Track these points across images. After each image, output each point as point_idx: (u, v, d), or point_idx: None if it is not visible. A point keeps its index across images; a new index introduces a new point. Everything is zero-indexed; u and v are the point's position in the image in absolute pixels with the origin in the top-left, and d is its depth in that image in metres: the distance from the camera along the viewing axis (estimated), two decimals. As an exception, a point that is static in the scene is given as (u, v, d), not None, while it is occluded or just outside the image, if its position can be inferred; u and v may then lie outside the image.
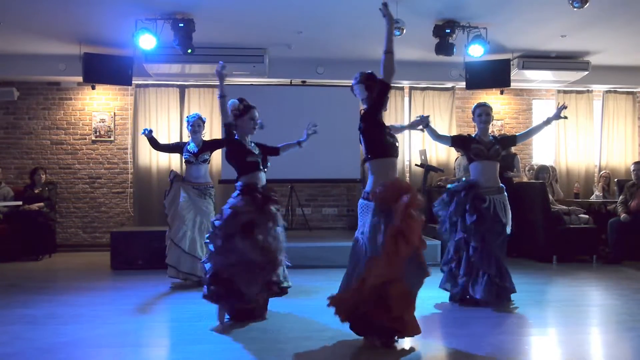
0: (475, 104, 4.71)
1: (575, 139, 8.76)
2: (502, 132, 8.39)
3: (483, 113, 4.60)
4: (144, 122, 8.04)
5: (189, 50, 6.29)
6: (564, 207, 7.10)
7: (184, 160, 5.56)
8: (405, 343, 3.36)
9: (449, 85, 8.50)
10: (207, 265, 3.89)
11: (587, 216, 7.02)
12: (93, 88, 8.02)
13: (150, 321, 4.12)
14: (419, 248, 3.22)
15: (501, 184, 4.56)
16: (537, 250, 6.90)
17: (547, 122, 4.64)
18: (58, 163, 8.19)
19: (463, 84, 7.90)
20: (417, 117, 4.54)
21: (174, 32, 6.13)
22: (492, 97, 8.66)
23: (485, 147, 4.51)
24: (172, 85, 8.20)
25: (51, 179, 7.96)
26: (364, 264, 3.24)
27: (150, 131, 5.53)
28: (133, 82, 7.52)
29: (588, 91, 8.79)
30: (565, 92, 8.72)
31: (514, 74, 7.63)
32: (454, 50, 6.53)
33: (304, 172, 7.99)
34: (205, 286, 3.86)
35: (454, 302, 4.48)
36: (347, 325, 3.40)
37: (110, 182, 8.26)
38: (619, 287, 5.27)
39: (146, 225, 7.51)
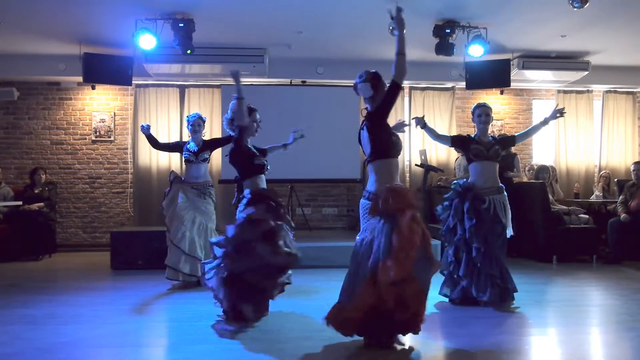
0: (475, 105, 4.71)
1: (575, 139, 8.76)
2: (502, 132, 8.39)
3: (483, 113, 4.60)
4: (144, 122, 8.01)
5: (189, 51, 6.29)
6: (564, 207, 7.10)
7: (184, 159, 5.56)
8: (405, 343, 3.36)
9: (449, 85, 8.50)
10: (209, 266, 3.89)
11: (587, 216, 7.02)
12: (93, 88, 8.02)
13: (150, 321, 4.12)
14: (426, 243, 3.24)
15: (501, 184, 4.56)
16: (537, 250, 6.90)
17: (545, 122, 4.66)
18: (58, 163, 8.19)
19: (463, 84, 7.90)
20: (412, 119, 4.56)
21: (174, 32, 6.12)
22: (492, 97, 8.66)
23: (485, 148, 4.51)
24: (172, 85, 8.20)
25: (51, 179, 7.96)
26: (373, 267, 3.17)
27: (149, 127, 5.52)
28: (133, 82, 7.51)
29: (588, 91, 8.79)
30: (565, 92, 8.73)
31: (514, 74, 7.63)
32: (454, 50, 6.53)
33: (304, 172, 7.99)
34: (215, 290, 3.84)
35: (452, 302, 4.48)
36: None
37: (110, 182, 8.26)
38: (619, 287, 5.27)
39: (146, 225, 7.51)
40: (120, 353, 3.30)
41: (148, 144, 5.66)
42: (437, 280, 4.49)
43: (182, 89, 8.25)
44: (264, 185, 4.19)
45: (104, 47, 7.06)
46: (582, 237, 6.79)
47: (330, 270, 5.82)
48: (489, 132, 4.70)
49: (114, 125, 8.24)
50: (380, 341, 3.29)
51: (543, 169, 7.47)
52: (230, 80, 7.90)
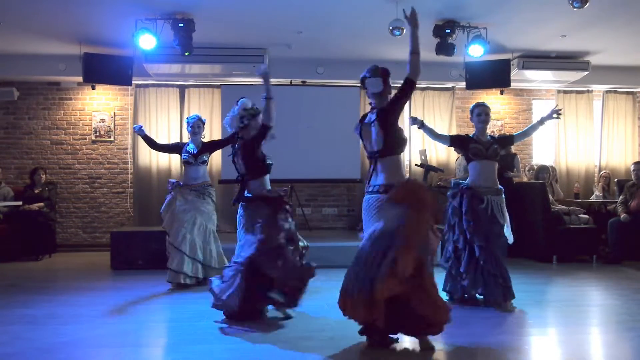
0: (474, 104, 4.71)
1: (575, 139, 8.76)
2: (502, 132, 8.39)
3: (482, 113, 4.60)
4: (144, 122, 8.02)
5: (187, 53, 6.29)
6: (564, 207, 7.10)
7: (182, 160, 5.55)
8: (405, 343, 3.36)
9: (449, 85, 8.50)
10: (230, 273, 3.96)
11: (587, 216, 7.02)
12: (93, 88, 8.02)
13: (150, 321, 4.12)
14: (434, 231, 3.25)
15: (500, 186, 4.55)
16: (537, 250, 6.90)
17: (541, 121, 4.67)
18: (58, 163, 8.19)
19: (463, 84, 7.90)
20: (409, 117, 4.59)
21: (174, 32, 6.12)
22: (492, 97, 8.66)
23: (484, 147, 4.51)
24: (172, 85, 8.20)
25: (51, 179, 7.96)
26: (392, 255, 3.09)
27: (140, 127, 5.52)
28: (133, 82, 7.51)
29: (588, 91, 8.79)
30: (565, 92, 8.73)
31: (514, 74, 7.63)
32: (454, 50, 6.53)
33: (304, 172, 7.99)
34: (221, 294, 3.90)
35: (452, 301, 4.48)
36: (346, 325, 3.39)
37: (110, 182, 8.26)
38: (619, 287, 5.27)
39: (146, 225, 7.50)
40: (120, 353, 3.30)
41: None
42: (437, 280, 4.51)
43: (182, 89, 8.25)
44: (269, 185, 4.21)
45: (104, 47, 7.06)
46: (582, 237, 6.79)
47: (330, 270, 5.77)
48: (488, 131, 4.70)
49: (114, 125, 8.24)
50: (382, 341, 3.28)
51: (543, 169, 7.47)
52: (230, 81, 8.02)
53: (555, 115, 4.62)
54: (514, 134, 4.92)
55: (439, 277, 4.50)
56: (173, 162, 8.04)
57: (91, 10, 5.89)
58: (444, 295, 4.55)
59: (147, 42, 6.11)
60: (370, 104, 3.57)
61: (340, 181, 8.36)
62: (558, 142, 8.77)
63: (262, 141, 4.12)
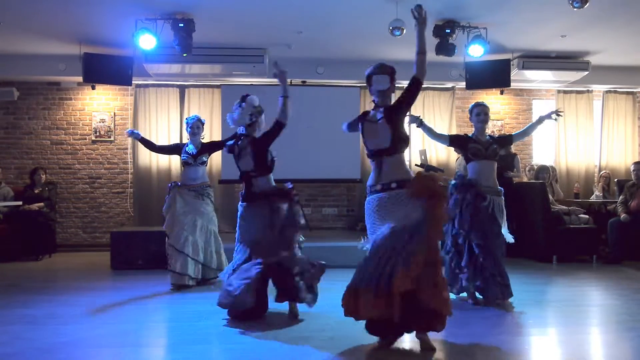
0: (473, 104, 4.72)
1: (575, 139, 8.76)
2: (502, 132, 8.39)
3: (481, 112, 4.60)
4: (144, 122, 8.05)
5: (184, 54, 6.29)
6: (564, 207, 7.10)
7: (181, 161, 5.55)
8: (405, 343, 3.36)
9: (449, 85, 8.50)
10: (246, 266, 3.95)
11: (587, 216, 7.02)
12: (93, 88, 8.02)
13: (150, 321, 4.12)
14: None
15: (500, 187, 4.55)
16: (537, 250, 6.89)
17: (540, 121, 4.67)
18: (58, 163, 8.19)
19: (463, 84, 7.90)
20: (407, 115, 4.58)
21: (174, 32, 6.12)
22: (492, 97, 8.66)
23: (483, 147, 4.51)
24: (172, 86, 8.20)
25: (51, 179, 7.96)
26: (412, 249, 3.08)
27: (132, 131, 5.54)
28: (133, 82, 7.51)
29: (588, 91, 8.79)
30: (565, 92, 8.73)
31: (514, 74, 7.63)
32: (454, 50, 6.53)
33: (304, 172, 7.99)
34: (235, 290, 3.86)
35: (451, 291, 4.46)
36: (346, 325, 3.39)
37: (110, 182, 8.26)
38: (619, 287, 5.27)
39: (146, 225, 7.50)
40: (120, 353, 3.30)
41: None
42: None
43: (182, 89, 8.25)
44: (273, 183, 4.21)
45: (104, 47, 7.06)
46: (582, 237, 6.79)
47: (330, 270, 5.79)
48: (488, 131, 4.70)
49: (114, 125, 8.24)
50: (395, 337, 3.28)
51: (543, 169, 7.47)
52: (230, 81, 8.01)
53: (554, 116, 4.63)
54: (513, 133, 4.92)
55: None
56: (173, 162, 8.04)
57: (91, 10, 5.89)
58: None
59: (147, 42, 6.11)
60: (373, 101, 3.53)
61: (340, 181, 8.36)
62: (558, 142, 8.77)
63: (275, 138, 4.10)
